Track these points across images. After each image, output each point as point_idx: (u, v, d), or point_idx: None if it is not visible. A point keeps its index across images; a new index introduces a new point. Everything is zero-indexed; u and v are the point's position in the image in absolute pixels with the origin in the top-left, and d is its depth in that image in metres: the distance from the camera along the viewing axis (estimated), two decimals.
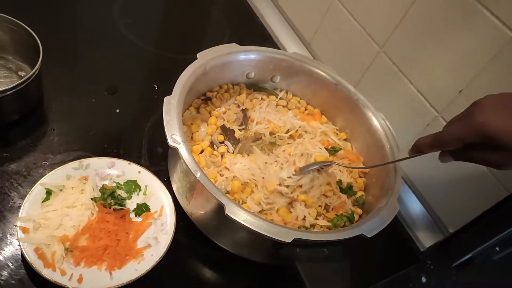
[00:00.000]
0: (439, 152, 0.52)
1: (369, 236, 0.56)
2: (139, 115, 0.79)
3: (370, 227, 0.57)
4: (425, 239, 0.77)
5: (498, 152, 0.44)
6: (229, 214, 0.52)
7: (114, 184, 0.64)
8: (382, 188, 0.66)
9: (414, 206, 0.80)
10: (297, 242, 0.52)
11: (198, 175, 0.54)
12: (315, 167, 0.67)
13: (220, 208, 0.52)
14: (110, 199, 0.62)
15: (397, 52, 0.78)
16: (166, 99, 0.60)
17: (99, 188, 0.63)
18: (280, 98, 0.81)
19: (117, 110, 0.78)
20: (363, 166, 0.73)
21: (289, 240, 0.51)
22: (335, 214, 0.66)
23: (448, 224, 0.75)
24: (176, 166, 0.65)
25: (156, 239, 0.60)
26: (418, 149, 0.53)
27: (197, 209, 0.63)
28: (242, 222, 0.51)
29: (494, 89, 0.62)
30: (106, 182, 0.64)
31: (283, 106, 0.81)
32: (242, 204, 0.64)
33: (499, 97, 0.45)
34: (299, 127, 0.76)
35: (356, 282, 0.67)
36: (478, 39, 0.64)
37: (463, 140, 0.47)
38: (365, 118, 0.74)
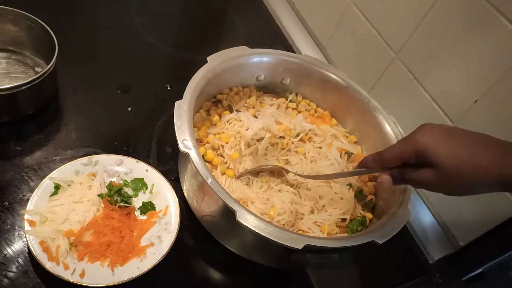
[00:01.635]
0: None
1: (380, 242, 0.56)
2: (150, 114, 0.79)
3: (382, 233, 0.57)
4: (435, 251, 0.75)
5: (430, 171, 0.46)
6: (240, 220, 0.52)
7: (122, 182, 0.65)
8: (393, 193, 0.65)
9: (425, 217, 0.78)
10: (307, 248, 0.52)
11: (209, 181, 0.54)
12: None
13: (231, 213, 0.52)
14: (116, 196, 0.63)
15: (413, 59, 0.77)
16: (177, 103, 0.60)
17: (107, 184, 0.64)
18: (290, 101, 0.80)
19: (129, 109, 0.79)
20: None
21: (300, 247, 0.51)
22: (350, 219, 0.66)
23: (459, 237, 0.73)
24: (187, 169, 0.66)
25: (159, 238, 0.60)
26: (364, 164, 0.56)
27: (207, 212, 0.63)
28: (253, 229, 0.52)
29: (510, 99, 0.61)
30: (114, 179, 0.65)
31: (293, 109, 0.80)
32: None
33: (439, 126, 0.48)
34: (309, 130, 0.76)
35: None
36: (495, 48, 0.62)
37: (401, 156, 0.49)
38: (376, 121, 0.73)
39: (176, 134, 0.57)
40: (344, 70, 0.82)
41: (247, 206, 0.65)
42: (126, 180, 0.65)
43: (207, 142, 0.70)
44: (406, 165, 0.50)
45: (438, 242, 0.76)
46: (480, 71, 0.65)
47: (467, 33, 0.66)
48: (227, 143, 0.69)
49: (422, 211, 0.79)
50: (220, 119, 0.73)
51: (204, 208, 0.63)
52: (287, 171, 0.68)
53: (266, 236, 0.51)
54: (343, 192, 0.68)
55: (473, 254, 0.71)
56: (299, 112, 0.80)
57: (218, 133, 0.71)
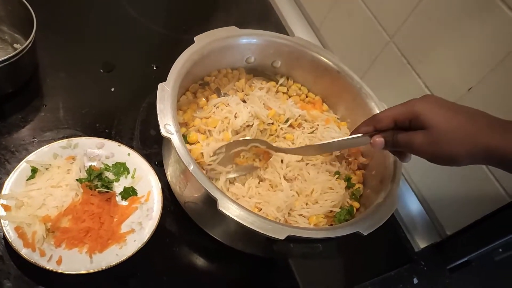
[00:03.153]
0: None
1: (365, 234, 0.55)
2: (135, 95, 0.77)
3: (367, 224, 0.56)
4: (421, 240, 0.75)
5: (421, 134, 0.47)
6: (221, 209, 0.50)
7: (102, 166, 0.63)
8: (381, 181, 0.64)
9: (413, 204, 0.78)
10: (290, 239, 0.51)
11: (191, 167, 0.52)
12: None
13: (213, 201, 0.51)
14: (96, 180, 0.61)
15: (407, 44, 0.74)
16: (160, 86, 0.58)
17: (86, 169, 0.62)
18: (281, 85, 0.78)
19: (112, 89, 0.76)
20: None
21: (282, 237, 0.50)
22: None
23: (446, 226, 0.73)
24: (170, 154, 0.64)
25: (140, 224, 0.59)
26: (356, 130, 0.55)
27: (190, 199, 0.62)
28: (235, 218, 0.50)
29: (505, 88, 0.60)
30: (94, 163, 0.63)
31: (284, 93, 0.78)
32: None
33: (439, 97, 0.49)
34: (299, 116, 0.74)
35: (348, 279, 0.67)
36: (492, 35, 0.60)
37: (396, 118, 0.50)
38: (368, 108, 0.71)
39: (158, 118, 0.55)
40: (337, 53, 0.80)
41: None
42: (107, 164, 0.63)
43: (193, 126, 0.68)
44: (398, 128, 0.50)
45: (424, 230, 0.76)
46: (476, 58, 0.63)
47: (464, 18, 0.63)
48: (214, 127, 0.66)
49: (410, 199, 0.78)
50: (207, 102, 0.71)
51: (187, 194, 0.61)
52: (271, 146, 0.65)
53: (249, 226, 0.50)
54: (335, 184, 0.67)
55: (459, 243, 0.71)
56: (290, 97, 0.78)
57: (206, 117, 0.68)
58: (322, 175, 0.67)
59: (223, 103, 0.70)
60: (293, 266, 0.51)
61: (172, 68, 0.61)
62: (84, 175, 0.61)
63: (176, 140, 0.54)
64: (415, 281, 0.71)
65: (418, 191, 0.78)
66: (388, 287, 0.69)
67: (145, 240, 0.57)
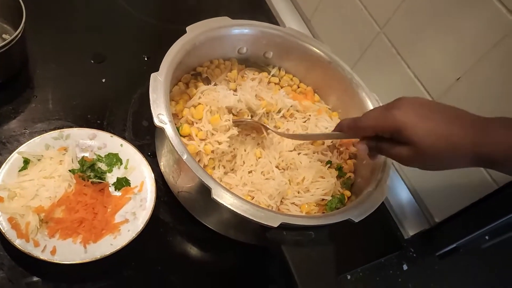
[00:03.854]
0: None
1: (356, 221, 0.56)
2: (126, 86, 0.76)
3: (358, 212, 0.57)
4: (410, 227, 0.76)
5: (406, 149, 0.47)
6: (215, 197, 0.51)
7: (95, 157, 0.63)
8: (372, 171, 0.65)
9: (402, 193, 0.79)
10: (283, 226, 0.52)
11: (185, 157, 0.52)
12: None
13: (207, 190, 0.51)
14: (89, 171, 0.61)
15: (397, 34, 0.75)
16: (152, 76, 0.57)
17: (79, 159, 0.62)
18: (273, 75, 0.78)
19: (103, 80, 0.76)
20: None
21: (275, 225, 0.51)
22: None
23: (435, 213, 0.74)
24: (163, 144, 0.64)
25: (134, 215, 0.59)
26: (339, 127, 0.57)
27: (183, 189, 0.62)
28: (229, 206, 0.51)
29: (493, 77, 0.61)
30: (87, 154, 0.63)
31: (275, 84, 0.78)
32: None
33: (416, 101, 0.48)
34: (291, 106, 0.74)
35: (340, 266, 0.67)
36: (480, 26, 0.61)
37: (375, 129, 0.50)
38: (358, 98, 0.72)
39: (151, 108, 0.54)
40: (328, 44, 0.80)
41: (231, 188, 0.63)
42: (99, 155, 0.63)
43: (182, 117, 0.68)
44: (381, 138, 0.51)
45: (414, 218, 0.77)
46: (464, 49, 0.64)
47: (453, 10, 0.64)
48: (200, 119, 0.66)
49: (400, 188, 0.79)
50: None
51: (181, 184, 0.62)
52: (266, 128, 0.67)
53: (242, 214, 0.51)
54: (326, 173, 0.68)
55: (448, 230, 0.72)
56: (282, 87, 0.78)
57: (193, 105, 0.68)
58: (314, 164, 0.68)
59: (211, 90, 0.70)
60: (286, 253, 0.51)
61: (164, 58, 0.60)
62: (76, 166, 0.61)
63: (169, 130, 0.54)
64: (405, 267, 0.73)
65: (407, 180, 0.79)
66: (378, 273, 0.71)
67: (139, 230, 0.57)
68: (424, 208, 0.77)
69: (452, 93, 0.67)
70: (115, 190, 0.62)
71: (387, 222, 0.77)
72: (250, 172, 0.66)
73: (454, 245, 0.72)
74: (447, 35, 0.66)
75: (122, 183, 0.62)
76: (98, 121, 0.70)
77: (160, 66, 0.59)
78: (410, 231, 0.76)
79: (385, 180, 0.62)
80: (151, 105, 0.55)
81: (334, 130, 0.59)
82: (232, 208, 0.51)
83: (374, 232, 0.76)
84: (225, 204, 0.51)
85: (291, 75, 0.79)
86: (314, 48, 0.74)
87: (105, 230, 0.56)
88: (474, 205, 0.67)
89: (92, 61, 0.78)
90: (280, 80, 0.79)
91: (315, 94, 0.79)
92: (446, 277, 0.73)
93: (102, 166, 0.63)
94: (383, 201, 0.59)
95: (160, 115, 0.54)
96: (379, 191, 0.60)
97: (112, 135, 0.65)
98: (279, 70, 0.79)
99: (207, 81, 0.73)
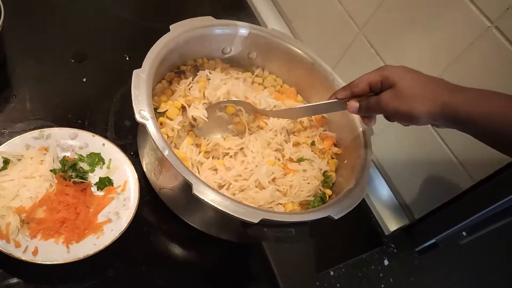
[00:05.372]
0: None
1: (336, 217, 0.57)
2: (108, 86, 0.76)
3: (338, 209, 0.58)
4: (391, 223, 0.78)
5: (388, 92, 0.52)
6: (196, 193, 0.51)
7: (76, 156, 0.62)
8: (352, 170, 0.66)
9: (382, 190, 0.81)
10: (264, 223, 0.52)
11: (166, 153, 0.52)
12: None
13: (188, 186, 0.51)
14: (71, 171, 0.60)
15: (376, 35, 0.77)
16: (135, 72, 0.57)
17: (60, 159, 0.61)
18: (256, 76, 0.79)
19: (84, 79, 0.75)
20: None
21: (256, 221, 0.51)
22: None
23: (414, 210, 0.77)
24: (145, 142, 0.64)
25: (117, 214, 0.59)
26: (334, 95, 0.60)
27: (165, 186, 0.62)
28: (210, 202, 0.51)
29: (468, 76, 0.63)
30: (68, 154, 0.62)
31: (259, 84, 0.79)
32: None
33: (408, 67, 0.54)
34: (274, 106, 0.75)
35: (321, 262, 0.70)
36: (456, 27, 0.63)
37: (369, 81, 0.54)
38: None
39: (133, 104, 0.54)
40: (309, 44, 0.81)
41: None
42: (81, 155, 0.63)
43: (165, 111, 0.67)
44: (372, 94, 0.55)
45: (394, 214, 0.79)
46: (440, 48, 0.66)
47: (429, 11, 0.66)
48: (172, 119, 0.66)
49: (380, 185, 0.81)
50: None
51: (162, 181, 0.61)
52: (256, 109, 0.68)
53: (223, 210, 0.51)
54: (312, 178, 0.68)
55: (427, 226, 0.74)
56: (265, 88, 0.79)
57: (185, 95, 0.68)
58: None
59: (202, 78, 0.69)
60: (266, 250, 0.52)
61: (147, 54, 0.60)
62: (58, 165, 0.60)
63: (151, 125, 0.53)
64: (386, 262, 0.74)
65: (388, 178, 0.81)
66: (360, 268, 0.72)
67: (122, 230, 0.57)
68: (404, 204, 0.79)
69: None
70: (98, 190, 0.61)
71: (368, 219, 0.79)
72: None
73: (433, 241, 0.74)
74: (423, 35, 0.68)
75: (105, 182, 0.61)
76: (79, 121, 0.69)
77: (143, 63, 0.59)
78: (390, 227, 0.78)
79: (366, 177, 0.63)
80: (132, 101, 0.54)
81: (329, 99, 0.61)
82: (212, 204, 0.51)
83: (356, 229, 0.77)
84: (205, 200, 0.51)
85: (275, 76, 0.80)
86: (297, 49, 0.75)
87: (87, 230, 0.56)
88: (452, 201, 0.69)
89: (73, 60, 0.77)
90: (263, 81, 0.79)
91: (298, 95, 0.80)
92: (425, 271, 0.75)
93: (84, 165, 0.62)
94: (364, 198, 0.60)
95: (142, 111, 0.54)
96: (359, 188, 0.61)
97: (94, 134, 0.64)
98: (263, 70, 0.79)
99: (195, 69, 0.73)
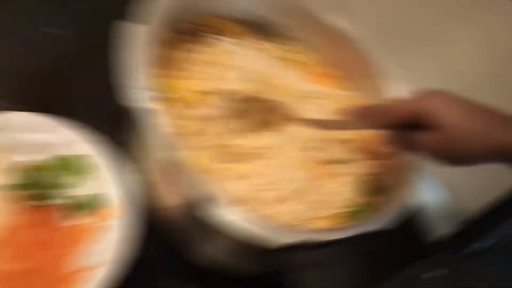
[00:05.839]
0: None
1: (390, 227, 0.51)
2: (91, 44, 0.56)
3: (389, 217, 0.52)
4: (439, 228, 0.75)
5: (435, 133, 0.48)
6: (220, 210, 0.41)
7: (41, 161, 0.44)
8: (399, 172, 0.59)
9: (430, 190, 0.77)
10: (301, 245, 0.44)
11: (176, 155, 0.41)
12: None
13: (205, 203, 0.41)
14: (30, 187, 0.42)
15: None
16: (130, 30, 0.43)
17: (14, 167, 0.43)
18: (288, 50, 0.65)
19: (53, 31, 0.56)
20: None
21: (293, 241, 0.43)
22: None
23: (463, 215, 0.73)
24: (145, 140, 0.49)
25: (106, 252, 0.41)
26: (356, 114, 0.54)
27: (174, 205, 0.49)
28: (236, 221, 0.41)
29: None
30: (25, 158, 0.44)
31: (289, 60, 0.64)
32: None
33: (448, 92, 0.49)
34: (311, 92, 0.62)
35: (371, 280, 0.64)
36: None
37: (404, 112, 0.49)
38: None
39: (126, 81, 0.41)
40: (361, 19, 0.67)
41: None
42: (48, 159, 0.44)
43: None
44: (402, 126, 0.50)
45: (445, 219, 0.76)
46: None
47: None
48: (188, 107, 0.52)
49: (429, 188, 0.77)
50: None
51: (171, 197, 0.48)
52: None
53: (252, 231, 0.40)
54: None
55: (482, 229, 0.72)
56: (296, 67, 0.65)
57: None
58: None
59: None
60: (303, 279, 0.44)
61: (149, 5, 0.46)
62: (7, 179, 0.42)
63: (154, 115, 0.41)
64: (445, 270, 0.69)
65: (437, 180, 0.76)
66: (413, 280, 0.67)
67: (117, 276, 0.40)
68: (456, 207, 0.76)
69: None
70: (71, 217, 0.43)
71: (415, 226, 0.73)
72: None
73: (492, 242, 0.71)
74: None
75: (87, 204, 0.44)
76: (45, 102, 0.49)
77: (145, 15, 0.44)
78: (439, 232, 0.74)
79: (415, 181, 0.57)
80: (126, 77, 0.41)
81: (351, 117, 0.54)
82: (240, 224, 0.40)
83: (401, 238, 0.68)
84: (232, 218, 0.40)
85: (313, 53, 0.66)
86: (345, 25, 0.63)
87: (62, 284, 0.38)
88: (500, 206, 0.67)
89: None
90: (296, 57, 0.65)
91: (340, 81, 0.67)
92: (489, 275, 0.71)
93: (50, 176, 0.44)
94: (413, 203, 0.55)
95: (138, 90, 0.41)
96: (408, 193, 0.56)
97: (68, 124, 0.46)
98: (297, 44, 0.65)
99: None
